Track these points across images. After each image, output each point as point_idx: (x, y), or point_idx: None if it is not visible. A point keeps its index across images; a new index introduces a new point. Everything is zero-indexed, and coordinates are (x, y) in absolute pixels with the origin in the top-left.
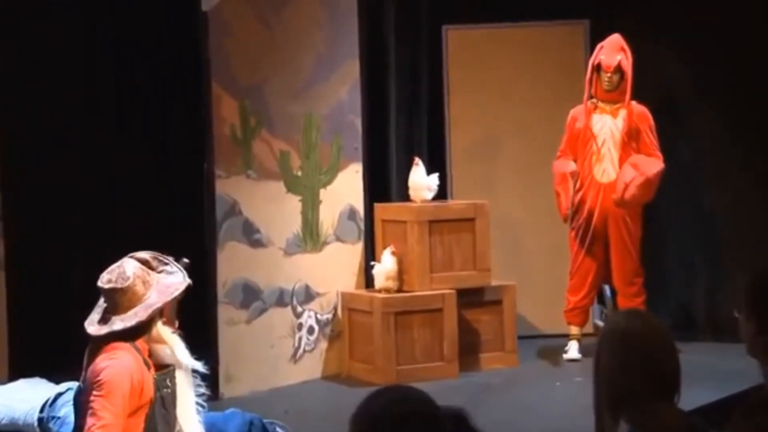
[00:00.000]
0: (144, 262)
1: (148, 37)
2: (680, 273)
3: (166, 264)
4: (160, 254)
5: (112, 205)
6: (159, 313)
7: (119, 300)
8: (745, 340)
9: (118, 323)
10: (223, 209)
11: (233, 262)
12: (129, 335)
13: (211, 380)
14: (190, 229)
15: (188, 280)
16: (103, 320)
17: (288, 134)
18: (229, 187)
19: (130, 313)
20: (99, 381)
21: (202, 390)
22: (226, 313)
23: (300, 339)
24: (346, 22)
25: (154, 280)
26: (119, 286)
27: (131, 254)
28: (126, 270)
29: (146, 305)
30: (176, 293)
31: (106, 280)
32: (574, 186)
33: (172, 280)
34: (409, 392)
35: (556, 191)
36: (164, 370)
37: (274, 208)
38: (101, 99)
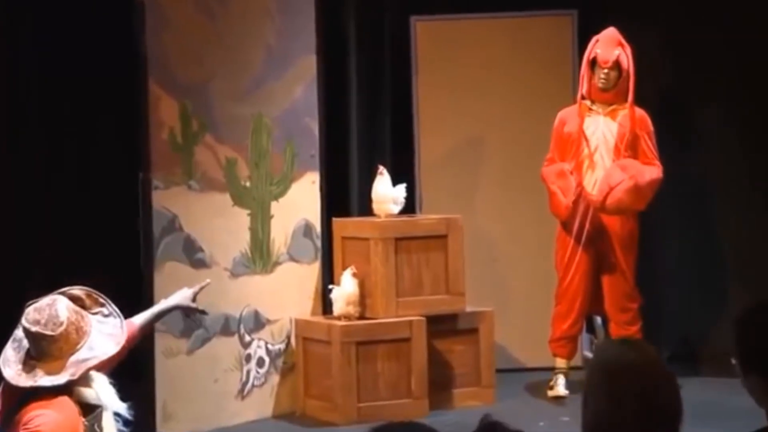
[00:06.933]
0: (77, 300)
1: (76, 30)
2: (681, 298)
3: (102, 305)
4: (95, 291)
5: (34, 220)
6: None
7: (47, 348)
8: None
9: (45, 378)
10: (161, 224)
11: (172, 285)
12: (58, 389)
13: (146, 419)
14: (123, 247)
15: (125, 329)
16: (26, 366)
17: (235, 139)
18: (167, 200)
19: (60, 368)
20: (30, 431)
21: None
22: (164, 342)
23: (248, 372)
24: (301, 12)
25: (89, 326)
26: (49, 332)
27: (63, 290)
28: (59, 313)
29: (80, 361)
30: (117, 349)
31: (32, 319)
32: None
33: (109, 328)
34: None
35: (552, 191)
36: (92, 413)
37: (219, 224)
38: (23, 100)
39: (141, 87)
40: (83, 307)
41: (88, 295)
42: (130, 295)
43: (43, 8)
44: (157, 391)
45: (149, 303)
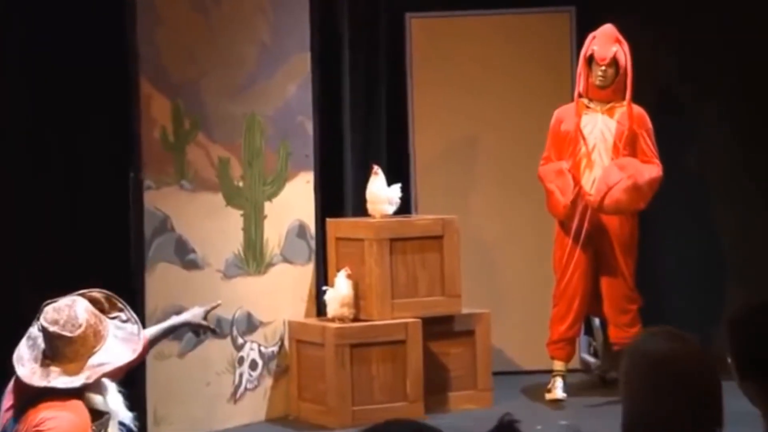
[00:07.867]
0: (96, 303)
1: (66, 26)
2: (681, 298)
3: (121, 309)
4: (114, 296)
5: (23, 220)
6: None
7: (63, 349)
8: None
9: (60, 379)
10: (153, 225)
11: (164, 286)
12: (71, 392)
13: (137, 423)
14: (114, 248)
15: (142, 336)
16: (41, 365)
17: (228, 138)
18: (159, 200)
19: (76, 371)
20: None
21: None
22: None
23: (241, 375)
24: (295, 9)
25: (107, 330)
26: (67, 334)
27: (82, 291)
28: (78, 314)
29: (95, 365)
30: (133, 356)
31: (51, 319)
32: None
33: (126, 334)
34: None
35: (549, 189)
36: (99, 419)
37: (211, 224)
38: (11, 99)
39: (132, 85)
40: (102, 310)
41: (108, 299)
42: (122, 296)
43: (34, 5)
44: (148, 395)
45: (140, 304)
